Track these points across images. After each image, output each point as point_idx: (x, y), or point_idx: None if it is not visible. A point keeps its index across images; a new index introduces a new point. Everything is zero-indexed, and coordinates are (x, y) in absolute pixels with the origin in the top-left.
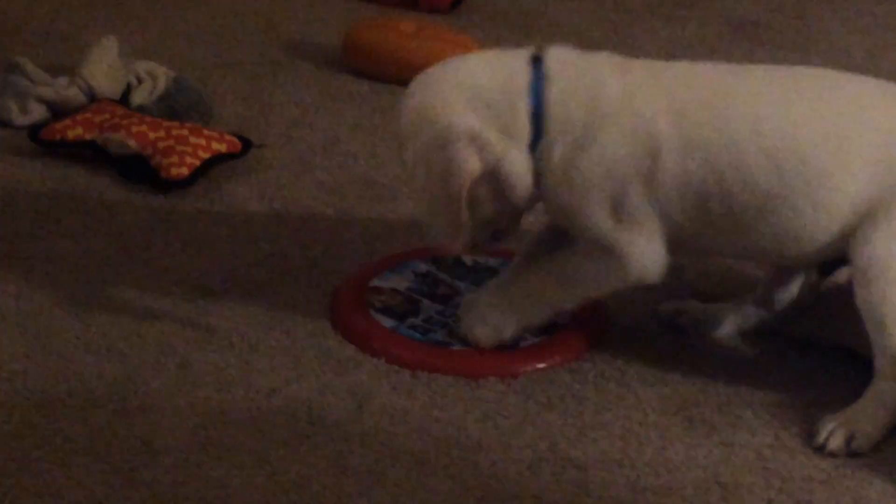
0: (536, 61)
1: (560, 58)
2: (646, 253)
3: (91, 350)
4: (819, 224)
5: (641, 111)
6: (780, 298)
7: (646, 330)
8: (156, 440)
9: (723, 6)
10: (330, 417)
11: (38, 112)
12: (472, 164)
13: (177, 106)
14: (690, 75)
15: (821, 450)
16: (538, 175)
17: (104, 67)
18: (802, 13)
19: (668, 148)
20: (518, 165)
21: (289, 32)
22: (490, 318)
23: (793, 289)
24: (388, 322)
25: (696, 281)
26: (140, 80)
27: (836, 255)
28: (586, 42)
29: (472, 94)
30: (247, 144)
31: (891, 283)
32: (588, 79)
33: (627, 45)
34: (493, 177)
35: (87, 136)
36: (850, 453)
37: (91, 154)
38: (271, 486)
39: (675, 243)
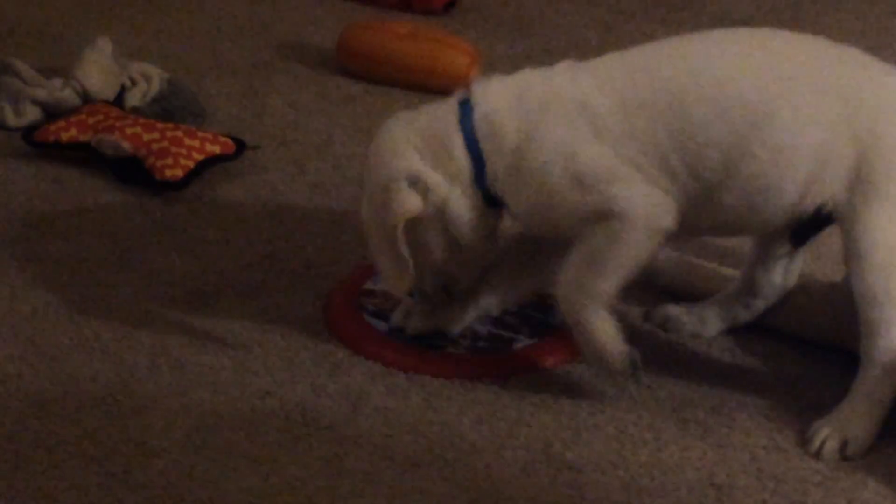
0: (465, 101)
1: (483, 87)
2: (641, 196)
3: (85, 352)
4: (781, 171)
5: (569, 93)
6: (764, 286)
7: (639, 331)
8: (150, 442)
9: (717, 7)
10: (324, 419)
11: (31, 114)
12: (408, 204)
13: (171, 107)
14: (619, 56)
15: (816, 456)
16: (500, 201)
17: (98, 69)
18: (797, 14)
19: (606, 112)
20: (461, 205)
21: (283, 34)
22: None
23: (776, 275)
24: (381, 325)
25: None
26: (134, 82)
27: (809, 216)
28: (580, 44)
29: (417, 141)
30: (241, 146)
31: (887, 262)
32: (510, 92)
33: (621, 47)
34: (440, 219)
35: (82, 138)
36: (845, 458)
37: (85, 156)
38: (266, 487)
39: None
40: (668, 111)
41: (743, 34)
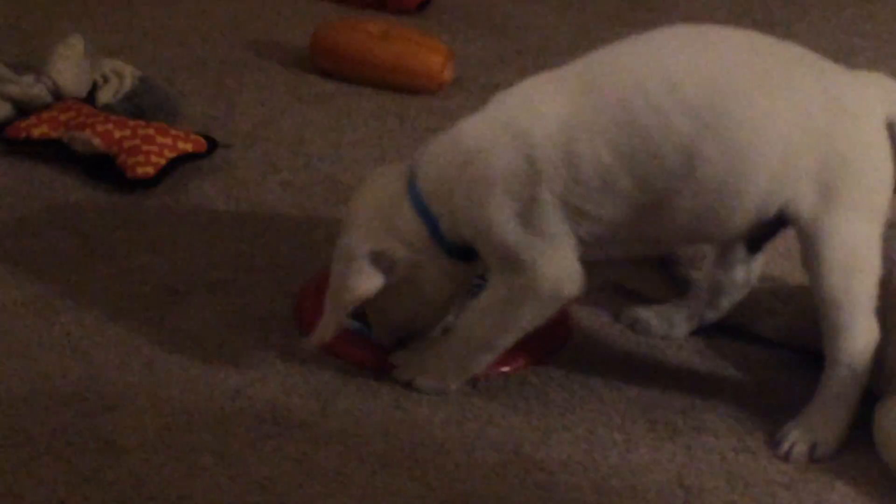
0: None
1: (424, 148)
2: (555, 263)
3: (55, 349)
4: (737, 172)
5: (495, 128)
6: (726, 284)
7: (610, 333)
8: (119, 440)
9: (689, 11)
10: (294, 418)
11: (3, 110)
12: (364, 286)
13: (143, 105)
14: (556, 75)
15: (785, 459)
16: (463, 250)
17: (70, 66)
18: (770, 18)
19: (541, 141)
20: (426, 268)
21: (256, 32)
22: (432, 367)
23: (737, 272)
24: (352, 324)
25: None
26: (106, 79)
27: (770, 219)
28: (553, 45)
29: (379, 211)
30: (213, 144)
31: (851, 266)
32: (445, 148)
33: (594, 48)
34: (408, 283)
35: (53, 135)
36: (814, 461)
37: (56, 152)
38: (235, 486)
39: (610, 241)
40: (613, 128)
41: (684, 34)
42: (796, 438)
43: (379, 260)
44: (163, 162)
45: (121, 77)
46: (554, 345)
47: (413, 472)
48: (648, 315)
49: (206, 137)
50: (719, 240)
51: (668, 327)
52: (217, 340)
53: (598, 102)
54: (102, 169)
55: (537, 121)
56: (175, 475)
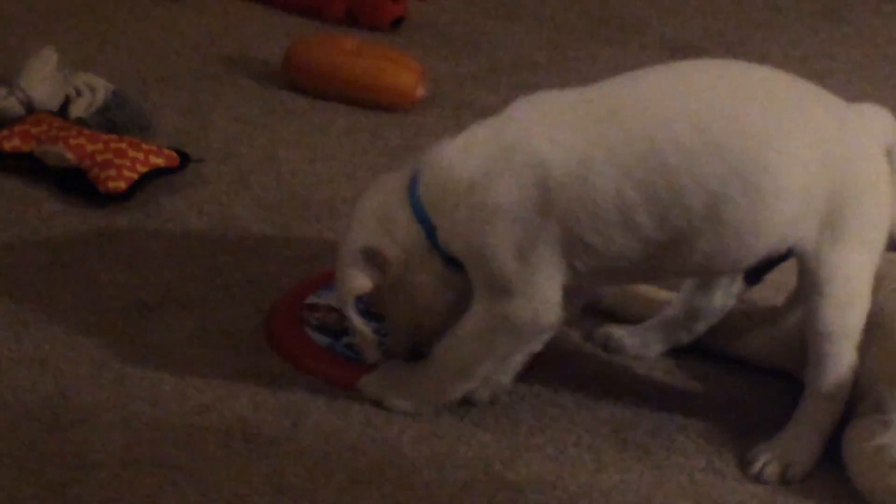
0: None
1: (429, 153)
2: (540, 295)
3: (24, 364)
4: (759, 215)
5: (522, 151)
6: (704, 309)
7: (581, 352)
8: (88, 455)
9: (663, 31)
10: (264, 435)
11: None
12: (357, 282)
13: (116, 119)
14: (580, 100)
15: (756, 478)
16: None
17: (43, 79)
18: (743, 39)
19: (558, 172)
20: (420, 273)
21: (229, 47)
22: (408, 389)
23: (715, 298)
24: (323, 340)
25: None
26: (79, 93)
27: (780, 256)
28: (527, 63)
29: (378, 212)
30: (185, 159)
31: (849, 300)
32: (455, 155)
33: (568, 67)
34: (403, 286)
35: (25, 148)
36: (785, 483)
37: (28, 166)
38: (204, 502)
39: (608, 273)
40: (640, 165)
41: (708, 69)
42: (769, 459)
43: (372, 257)
44: (135, 176)
45: (94, 91)
46: (525, 362)
47: (382, 489)
48: (621, 334)
49: (179, 152)
50: (727, 274)
51: (641, 347)
52: (188, 356)
53: (623, 136)
54: (74, 183)
55: (555, 148)
56: (144, 491)
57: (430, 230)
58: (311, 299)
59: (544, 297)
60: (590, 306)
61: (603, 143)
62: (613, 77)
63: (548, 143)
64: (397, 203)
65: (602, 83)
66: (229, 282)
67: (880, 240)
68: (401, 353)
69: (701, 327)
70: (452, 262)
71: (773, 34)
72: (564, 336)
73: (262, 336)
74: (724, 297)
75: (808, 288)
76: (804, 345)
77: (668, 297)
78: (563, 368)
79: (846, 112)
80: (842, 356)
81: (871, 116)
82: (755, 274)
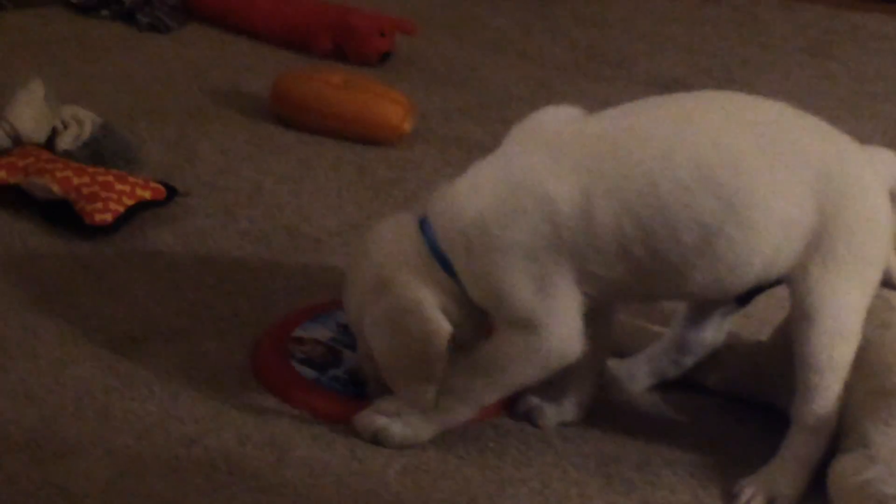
0: (424, 218)
1: (436, 198)
2: (565, 324)
3: (9, 395)
4: (751, 247)
5: (527, 185)
6: (694, 344)
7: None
8: (72, 487)
9: (650, 66)
10: (249, 468)
11: None
12: (445, 327)
13: (102, 152)
14: (581, 134)
15: None
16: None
17: (30, 111)
18: (729, 75)
19: (567, 206)
20: (456, 314)
21: (217, 81)
22: (408, 416)
23: (707, 333)
24: (309, 373)
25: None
26: (66, 125)
27: (769, 284)
28: (514, 98)
29: (408, 262)
30: (172, 192)
31: (838, 332)
32: (461, 199)
33: (556, 103)
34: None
35: (11, 180)
36: None
37: (15, 198)
38: None
39: (612, 295)
40: (638, 199)
41: (712, 102)
42: (754, 492)
43: (432, 306)
44: (121, 209)
45: (81, 123)
46: (511, 397)
47: None
48: (609, 366)
49: (166, 185)
50: (715, 299)
51: (629, 381)
52: (173, 389)
53: (623, 171)
54: (61, 215)
55: (560, 184)
56: None
57: (449, 270)
58: (298, 332)
59: (567, 326)
60: None
61: (604, 178)
62: (612, 109)
63: (553, 179)
64: (419, 252)
65: (602, 114)
66: (215, 314)
67: (874, 276)
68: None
69: (688, 361)
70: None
71: (760, 70)
72: None
73: (247, 369)
74: (714, 332)
75: (797, 316)
76: (789, 379)
77: (656, 331)
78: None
79: (851, 148)
80: (828, 389)
81: (879, 158)
82: (746, 296)
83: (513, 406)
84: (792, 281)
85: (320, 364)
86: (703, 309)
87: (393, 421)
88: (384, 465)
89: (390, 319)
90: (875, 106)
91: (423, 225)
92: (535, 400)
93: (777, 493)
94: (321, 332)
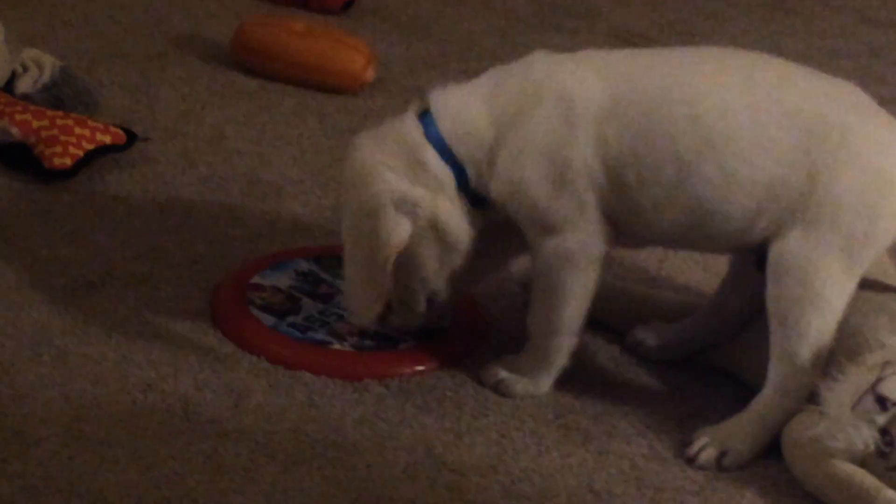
0: (425, 113)
1: (443, 95)
2: (581, 227)
3: None
4: (729, 197)
5: (549, 86)
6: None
7: (524, 337)
8: (28, 432)
9: (613, 19)
10: (206, 414)
11: None
12: (399, 233)
13: (62, 96)
14: (598, 56)
15: (690, 461)
16: (485, 203)
17: None
18: (691, 29)
19: (584, 110)
20: (451, 213)
21: (178, 26)
22: (521, 370)
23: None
24: (268, 320)
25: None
26: (25, 69)
27: (756, 245)
28: (477, 48)
29: (392, 161)
30: (132, 137)
31: (820, 311)
32: (476, 92)
33: (518, 54)
34: (432, 232)
35: None
36: (720, 469)
37: None
38: (144, 481)
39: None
40: (641, 119)
41: (723, 54)
42: (706, 443)
43: (403, 204)
44: (81, 153)
45: (41, 67)
46: (469, 345)
47: (324, 470)
48: (646, 336)
49: (126, 130)
50: (707, 251)
51: (659, 350)
52: (130, 334)
53: (632, 96)
54: (19, 158)
55: (581, 86)
56: (84, 468)
57: (457, 170)
58: (256, 279)
59: (586, 226)
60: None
61: (615, 99)
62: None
63: (571, 81)
64: (419, 147)
65: (632, 50)
66: (174, 261)
67: (862, 252)
68: (413, 317)
69: (724, 329)
70: (477, 202)
71: (721, 24)
72: (509, 319)
73: (206, 315)
74: (744, 302)
75: (772, 273)
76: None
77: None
78: (506, 352)
79: (867, 121)
80: (796, 356)
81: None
82: (760, 262)
83: (481, 376)
84: (773, 245)
85: (279, 311)
86: (737, 279)
87: (513, 375)
88: (342, 414)
89: (354, 216)
90: (836, 62)
91: (429, 129)
92: (503, 372)
93: (730, 446)
94: (280, 279)
